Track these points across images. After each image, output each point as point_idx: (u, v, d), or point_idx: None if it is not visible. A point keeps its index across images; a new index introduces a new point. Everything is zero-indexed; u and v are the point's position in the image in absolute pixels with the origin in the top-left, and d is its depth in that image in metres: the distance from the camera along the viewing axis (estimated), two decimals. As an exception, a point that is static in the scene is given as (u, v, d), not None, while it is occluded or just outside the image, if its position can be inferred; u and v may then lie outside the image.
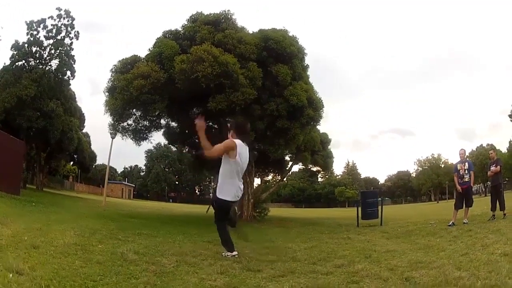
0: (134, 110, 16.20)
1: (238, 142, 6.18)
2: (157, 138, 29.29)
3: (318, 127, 21.40)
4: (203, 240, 8.87)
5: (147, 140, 18.62)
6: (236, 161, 6.12)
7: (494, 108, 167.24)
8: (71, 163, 55.25)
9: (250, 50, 15.16)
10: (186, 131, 19.15)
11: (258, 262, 5.93)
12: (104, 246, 6.44)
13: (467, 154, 13.98)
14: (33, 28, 27.93)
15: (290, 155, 24.24)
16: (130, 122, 17.07)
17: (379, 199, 17.18)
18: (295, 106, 15.79)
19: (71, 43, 29.25)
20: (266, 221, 17.65)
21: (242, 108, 14.86)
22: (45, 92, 27.28)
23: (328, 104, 18.14)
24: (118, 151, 44.17)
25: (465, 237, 8.77)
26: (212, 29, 15.72)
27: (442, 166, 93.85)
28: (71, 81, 30.38)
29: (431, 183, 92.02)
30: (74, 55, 29.61)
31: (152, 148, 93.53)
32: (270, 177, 26.96)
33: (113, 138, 22.72)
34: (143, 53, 16.47)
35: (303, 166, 29.90)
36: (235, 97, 14.10)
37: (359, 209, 15.29)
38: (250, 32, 16.99)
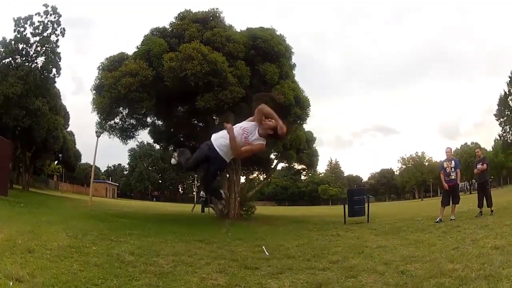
0: (121, 108, 16.03)
1: None
2: (143, 136, 29.17)
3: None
4: (195, 239, 8.91)
5: (133, 139, 18.54)
6: None
7: (478, 107, 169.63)
8: (55, 162, 54.47)
9: (238, 49, 15.14)
10: (172, 130, 19.06)
11: (254, 260, 5.98)
12: (98, 247, 6.43)
13: (452, 152, 14.21)
14: (20, 25, 27.28)
15: (275, 153, 24.36)
16: (116, 120, 16.87)
17: (366, 196, 17.32)
18: (282, 105, 15.80)
19: (57, 40, 28.66)
20: (253, 219, 17.67)
21: (230, 106, 14.87)
22: (31, 90, 26.72)
23: (310, 102, 18.15)
24: (101, 149, 43.86)
25: (454, 232, 8.96)
26: (200, 27, 15.66)
27: (426, 164, 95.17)
28: (56, 79, 29.85)
29: (415, 180, 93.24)
30: (60, 53, 29.09)
31: (136, 147, 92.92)
32: (255, 175, 27.05)
33: (98, 136, 22.45)
34: (129, 50, 16.45)
35: (287, 164, 30.04)
36: (224, 95, 14.08)
37: (346, 206, 15.42)
38: (238, 30, 16.97)
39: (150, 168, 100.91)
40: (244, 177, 25.32)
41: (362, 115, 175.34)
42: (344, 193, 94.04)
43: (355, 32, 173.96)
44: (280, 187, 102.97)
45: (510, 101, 48.22)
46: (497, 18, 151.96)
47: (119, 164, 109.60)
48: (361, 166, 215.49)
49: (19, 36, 27.46)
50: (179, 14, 16.69)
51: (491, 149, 65.98)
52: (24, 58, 27.54)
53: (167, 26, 16.69)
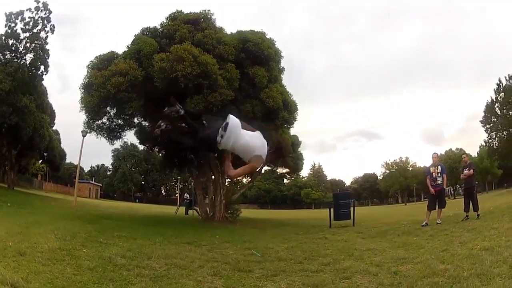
0: (108, 108, 15.91)
1: None
2: (129, 137, 28.94)
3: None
4: (183, 241, 8.93)
5: (120, 139, 18.42)
6: None
7: (462, 113, 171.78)
8: (40, 161, 53.76)
9: (228, 51, 15.14)
10: (158, 131, 18.96)
11: (246, 263, 6.01)
12: (88, 250, 6.38)
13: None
14: (11, 20, 26.71)
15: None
16: (104, 120, 16.71)
17: (352, 200, 17.46)
18: (270, 108, 15.89)
19: (47, 37, 28.15)
20: (238, 222, 17.69)
21: (219, 109, 14.88)
22: (19, 87, 26.14)
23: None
24: (85, 149, 43.30)
25: (441, 235, 9.13)
26: (192, 28, 15.64)
27: (410, 169, 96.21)
28: (44, 76, 29.27)
29: (399, 185, 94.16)
30: (48, 49, 28.51)
31: (119, 147, 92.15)
32: (239, 178, 27.01)
33: (84, 136, 22.23)
34: (118, 49, 16.23)
35: (270, 168, 30.06)
36: (213, 97, 14.05)
37: (332, 210, 15.54)
38: (229, 33, 16.95)
39: (134, 169, 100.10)
40: (229, 179, 25.33)
41: (345, 119, 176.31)
42: (327, 197, 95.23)
43: (341, 37, 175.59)
44: (263, 190, 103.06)
45: (497, 108, 49.15)
46: (482, 26, 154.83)
47: (103, 165, 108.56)
48: (344, 170, 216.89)
49: (9, 31, 26.93)
50: (170, 14, 16.63)
51: (476, 155, 67.08)
52: (13, 54, 26.96)
53: (158, 26, 16.61)
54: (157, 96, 14.90)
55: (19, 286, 3.87)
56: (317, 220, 19.88)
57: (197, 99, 14.01)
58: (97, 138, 16.83)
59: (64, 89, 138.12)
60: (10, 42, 27.08)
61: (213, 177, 19.29)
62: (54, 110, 39.14)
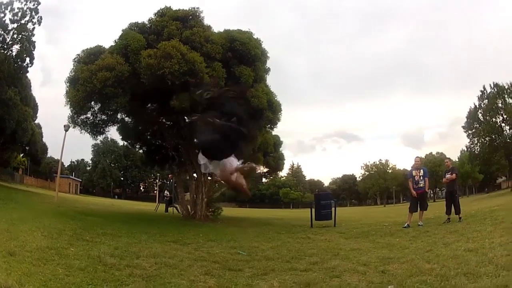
0: (92, 103, 15.72)
1: None
2: (112, 133, 28.67)
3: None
4: (168, 240, 8.93)
5: (104, 135, 18.31)
6: None
7: (442, 118, 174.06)
8: (21, 155, 52.87)
9: (216, 50, 15.11)
10: (140, 128, 18.83)
11: (235, 262, 6.06)
12: (76, 249, 6.33)
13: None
14: (1, 11, 26.30)
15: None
16: (88, 115, 16.53)
17: (333, 201, 17.64)
18: (255, 108, 15.89)
19: (33, 29, 27.53)
20: (220, 221, 17.68)
21: (204, 107, 14.83)
22: (4, 79, 25.76)
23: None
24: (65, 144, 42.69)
25: (424, 237, 9.33)
26: (180, 26, 15.49)
27: (390, 171, 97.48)
28: (29, 69, 28.52)
29: (378, 187, 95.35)
30: (35, 41, 27.91)
31: (99, 142, 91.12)
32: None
33: (66, 130, 21.94)
34: (102, 43, 16.09)
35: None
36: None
37: (313, 210, 15.70)
38: (216, 31, 16.87)
39: (113, 165, 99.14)
40: (210, 178, 25.23)
41: (325, 121, 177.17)
42: (306, 197, 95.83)
43: (323, 39, 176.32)
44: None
45: (480, 115, 50.38)
46: (465, 32, 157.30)
47: (82, 159, 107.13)
48: (322, 171, 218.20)
49: (-2, 21, 26.46)
50: (158, 10, 16.45)
51: (457, 159, 68.39)
52: (0, 45, 26.56)
53: (146, 22, 16.45)
54: (143, 92, 14.83)
55: (13, 289, 3.81)
56: (297, 220, 20.03)
57: (183, 97, 13.93)
58: (81, 133, 16.66)
59: (45, 81, 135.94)
60: (-2, 32, 26.56)
61: (195, 175, 19.23)
62: (37, 103, 38.51)
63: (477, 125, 50.85)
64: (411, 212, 12.97)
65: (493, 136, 49.11)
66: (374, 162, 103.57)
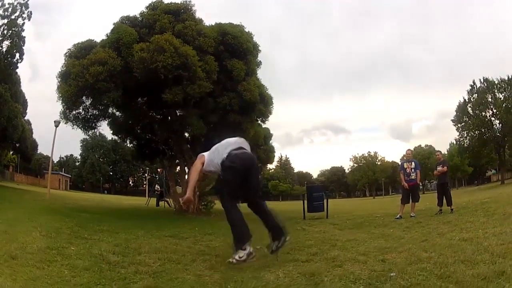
0: (84, 98, 15.61)
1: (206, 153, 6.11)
2: (103, 127, 28.50)
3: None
4: (165, 235, 8.89)
5: (95, 130, 18.20)
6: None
7: (430, 111, 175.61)
8: (11, 152, 52.29)
9: (208, 43, 15.08)
10: (130, 122, 18.77)
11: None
12: (76, 248, 6.24)
13: (403, 153, 15.23)
14: None
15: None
16: (79, 110, 16.42)
17: (325, 193, 17.80)
18: (247, 102, 15.96)
19: (23, 24, 26.94)
20: (212, 214, 17.68)
21: (197, 101, 14.83)
22: None
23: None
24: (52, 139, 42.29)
25: (418, 228, 9.46)
26: (172, 19, 15.46)
27: (379, 163, 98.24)
28: (18, 64, 28.09)
29: (367, 179, 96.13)
30: (25, 37, 27.44)
31: (88, 137, 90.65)
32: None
33: (57, 126, 21.80)
34: (92, 37, 15.98)
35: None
36: (192, 89, 13.98)
37: (305, 202, 15.84)
38: (207, 24, 16.88)
39: (102, 160, 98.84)
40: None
41: (312, 113, 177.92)
42: (294, 189, 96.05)
43: (311, 32, 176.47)
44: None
45: (469, 109, 51.19)
46: (454, 27, 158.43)
47: (71, 155, 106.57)
48: (311, 163, 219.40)
49: (-12, 18, 25.98)
50: (150, 4, 16.43)
51: (446, 152, 69.31)
52: (-11, 42, 26.09)
53: (138, 15, 16.41)
54: (134, 86, 14.77)
55: (20, 296, 3.74)
56: (289, 212, 20.03)
57: (176, 91, 13.93)
58: (73, 128, 16.56)
59: (34, 77, 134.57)
60: (-12, 29, 26.11)
61: (186, 168, 19.24)
62: (26, 100, 38.21)
63: (467, 118, 51.91)
64: (403, 203, 13.15)
65: (483, 130, 50.11)
66: (363, 154, 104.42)
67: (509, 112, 47.25)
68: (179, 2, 16.35)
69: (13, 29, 26.24)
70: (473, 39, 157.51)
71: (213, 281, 4.51)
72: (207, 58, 14.87)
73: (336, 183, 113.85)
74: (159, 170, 32.55)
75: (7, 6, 26.19)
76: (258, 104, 16.70)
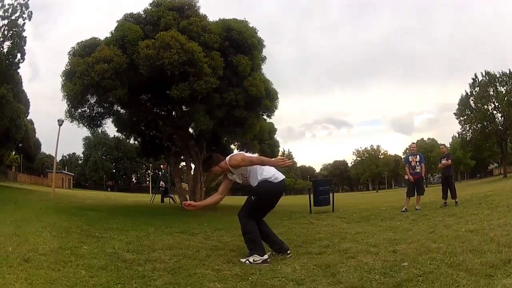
0: (88, 96, 15.62)
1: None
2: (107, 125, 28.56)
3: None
4: (175, 231, 8.93)
5: (101, 127, 18.20)
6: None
7: (432, 104, 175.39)
8: (14, 152, 52.28)
9: (213, 39, 15.07)
10: (134, 119, 18.81)
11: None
12: (89, 247, 6.22)
13: (407, 146, 15.34)
14: None
15: (237, 143, 24.63)
16: (84, 108, 16.43)
17: (331, 187, 17.94)
18: (253, 97, 16.00)
19: (24, 24, 26.99)
20: (219, 210, 17.73)
21: (203, 97, 14.89)
22: None
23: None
24: (54, 138, 42.32)
25: (424, 220, 9.61)
26: (176, 15, 15.43)
27: (382, 157, 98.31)
28: (20, 64, 28.08)
29: (370, 173, 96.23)
30: (26, 37, 27.40)
31: (90, 135, 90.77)
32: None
33: (60, 125, 21.86)
34: (89, 36, 15.89)
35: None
36: (199, 85, 13.98)
37: (311, 196, 15.96)
38: (211, 20, 16.82)
39: (104, 157, 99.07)
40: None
41: (314, 107, 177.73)
42: (298, 183, 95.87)
43: (311, 26, 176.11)
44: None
45: (471, 102, 51.29)
46: (454, 20, 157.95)
47: (74, 153, 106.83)
48: (313, 157, 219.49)
49: (-12, 19, 25.96)
50: (154, 1, 16.39)
51: (449, 146, 69.47)
52: (-9, 43, 26.09)
53: (142, 13, 16.37)
54: (140, 83, 14.79)
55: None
56: (294, 206, 20.20)
57: (183, 87, 13.94)
58: (78, 127, 16.57)
59: (34, 76, 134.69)
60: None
61: (192, 165, 19.31)
62: (28, 99, 38.21)
63: (469, 112, 52.09)
64: (408, 196, 13.33)
65: (485, 123, 50.25)
66: (365, 148, 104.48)
67: (511, 106, 47.27)
68: (183, -1, 16.27)
69: (14, 29, 26.27)
70: (474, 31, 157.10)
71: (233, 274, 4.56)
72: (213, 54, 14.86)
73: (338, 177, 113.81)
74: (162, 166, 32.56)
75: (7, 7, 26.29)
76: (264, 99, 16.71)
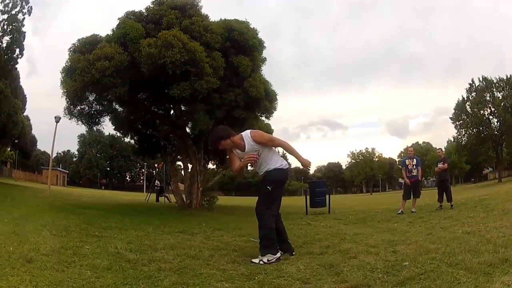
0: (87, 93, 15.56)
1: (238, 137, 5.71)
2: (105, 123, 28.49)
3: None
4: (175, 231, 8.92)
5: (99, 125, 18.16)
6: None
7: (427, 108, 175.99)
8: (9, 148, 51.96)
9: (215, 40, 15.13)
10: (132, 117, 18.82)
11: (252, 249, 6.17)
12: (90, 246, 6.13)
13: (402, 150, 15.53)
14: None
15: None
16: (83, 106, 16.39)
17: (327, 188, 18.07)
18: (253, 98, 16.09)
19: (23, 19, 27.10)
20: (215, 210, 17.79)
21: (203, 96, 14.94)
22: None
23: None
24: (51, 135, 42.29)
25: (420, 222, 9.78)
26: (179, 15, 15.47)
27: (376, 160, 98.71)
28: (18, 60, 27.93)
29: (365, 175, 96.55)
30: (25, 32, 27.48)
31: (85, 133, 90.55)
32: (211, 166, 26.96)
33: (57, 122, 21.83)
34: (91, 32, 15.85)
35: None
36: (199, 85, 14.00)
37: (308, 197, 16.14)
38: (213, 20, 16.85)
39: (99, 155, 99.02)
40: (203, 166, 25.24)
41: (309, 108, 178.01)
42: (292, 185, 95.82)
43: (308, 26, 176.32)
44: (227, 177, 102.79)
45: (467, 107, 51.81)
46: (453, 23, 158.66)
47: (68, 151, 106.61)
48: (307, 158, 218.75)
49: (-13, 14, 25.81)
50: (155, -1, 16.37)
51: (444, 150, 69.73)
52: (-10, 37, 25.98)
53: (143, 11, 16.38)
54: (140, 82, 14.82)
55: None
56: (290, 207, 20.24)
57: (184, 86, 13.96)
58: (77, 124, 16.56)
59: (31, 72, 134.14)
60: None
61: (189, 164, 19.32)
62: (25, 95, 38.09)
63: (465, 116, 52.49)
64: (404, 199, 13.60)
65: (481, 128, 50.63)
66: (360, 151, 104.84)
67: (507, 111, 47.83)
68: (185, -2, 16.29)
69: (13, 24, 26.20)
70: (472, 34, 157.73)
71: (239, 274, 4.59)
72: (214, 54, 14.92)
73: (332, 179, 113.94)
74: (156, 165, 32.55)
75: (7, 1, 26.22)
76: (264, 100, 16.83)
